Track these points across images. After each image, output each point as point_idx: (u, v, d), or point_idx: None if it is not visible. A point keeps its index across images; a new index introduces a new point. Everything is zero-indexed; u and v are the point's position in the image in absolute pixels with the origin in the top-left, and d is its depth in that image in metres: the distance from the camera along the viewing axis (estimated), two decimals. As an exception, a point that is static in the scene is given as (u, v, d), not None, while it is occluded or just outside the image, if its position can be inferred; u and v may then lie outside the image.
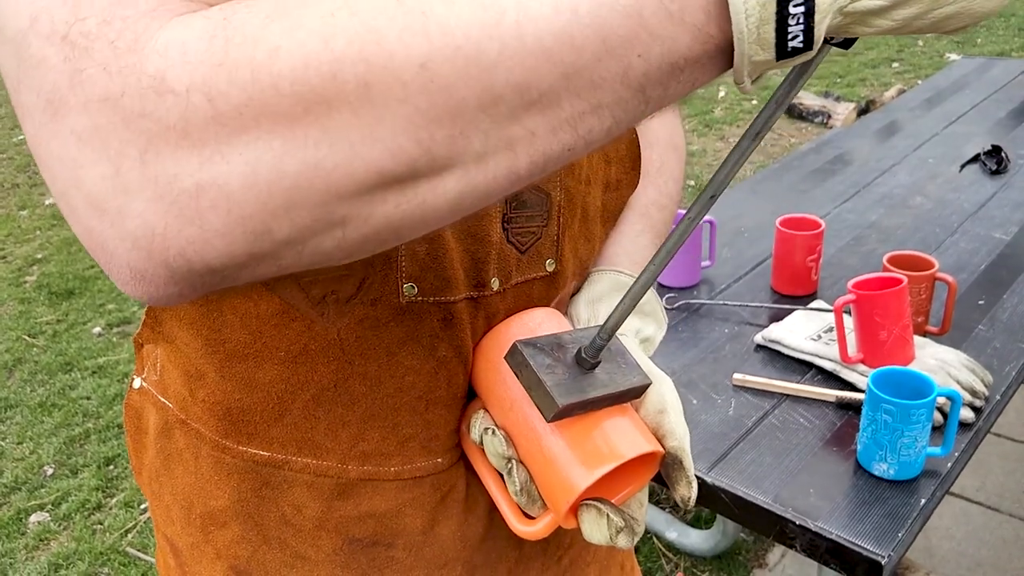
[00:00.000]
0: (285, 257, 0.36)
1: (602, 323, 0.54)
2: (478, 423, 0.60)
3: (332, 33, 0.33)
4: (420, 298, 0.56)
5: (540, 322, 0.62)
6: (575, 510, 0.57)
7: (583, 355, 0.54)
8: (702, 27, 0.33)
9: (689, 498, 0.58)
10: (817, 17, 0.32)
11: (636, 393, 0.58)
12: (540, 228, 0.62)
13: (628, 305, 0.51)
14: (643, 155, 0.75)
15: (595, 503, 0.56)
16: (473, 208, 0.37)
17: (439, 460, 0.63)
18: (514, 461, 0.58)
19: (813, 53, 0.34)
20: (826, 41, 0.35)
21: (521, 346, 0.54)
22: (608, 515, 0.56)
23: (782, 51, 0.33)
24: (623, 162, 0.71)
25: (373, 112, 0.33)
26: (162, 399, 0.65)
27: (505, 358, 0.55)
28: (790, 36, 0.33)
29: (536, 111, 0.34)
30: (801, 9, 0.32)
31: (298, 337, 0.56)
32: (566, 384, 0.53)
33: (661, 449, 0.58)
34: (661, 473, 0.60)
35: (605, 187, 0.69)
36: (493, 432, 0.58)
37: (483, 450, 0.61)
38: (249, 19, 0.34)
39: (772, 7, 0.32)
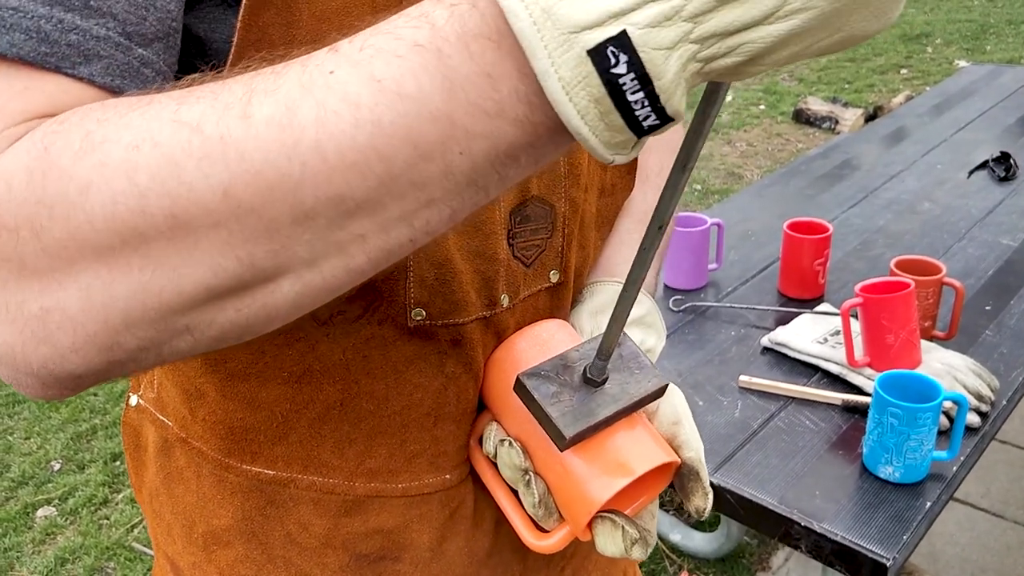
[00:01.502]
0: (144, 360, 0.38)
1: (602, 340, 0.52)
2: (492, 435, 0.59)
3: (135, 168, 0.33)
4: (429, 322, 0.56)
5: (552, 334, 0.61)
6: (590, 523, 0.56)
7: (589, 375, 0.54)
8: (526, 119, 0.32)
9: (704, 509, 0.58)
10: (663, 97, 0.30)
11: (654, 397, 0.57)
12: (544, 240, 0.61)
13: (616, 329, 0.50)
14: (641, 159, 0.73)
15: (610, 515, 0.55)
16: (319, 303, 0.38)
17: (447, 476, 0.62)
18: (531, 473, 0.57)
19: (680, 121, 0.32)
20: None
21: (524, 378, 0.53)
22: (623, 527, 0.55)
23: (640, 130, 0.31)
24: (619, 166, 0.69)
25: (187, 239, 0.34)
26: (161, 417, 0.64)
27: (513, 390, 0.54)
28: (641, 118, 0.31)
29: (360, 216, 0.34)
30: (639, 96, 0.30)
31: (302, 357, 0.55)
32: (574, 411, 0.52)
33: (679, 460, 0.58)
34: (675, 484, 0.59)
35: (600, 192, 0.68)
36: (510, 444, 0.57)
37: (494, 463, 0.60)
38: (65, 150, 0.34)
39: (607, 102, 0.30)
